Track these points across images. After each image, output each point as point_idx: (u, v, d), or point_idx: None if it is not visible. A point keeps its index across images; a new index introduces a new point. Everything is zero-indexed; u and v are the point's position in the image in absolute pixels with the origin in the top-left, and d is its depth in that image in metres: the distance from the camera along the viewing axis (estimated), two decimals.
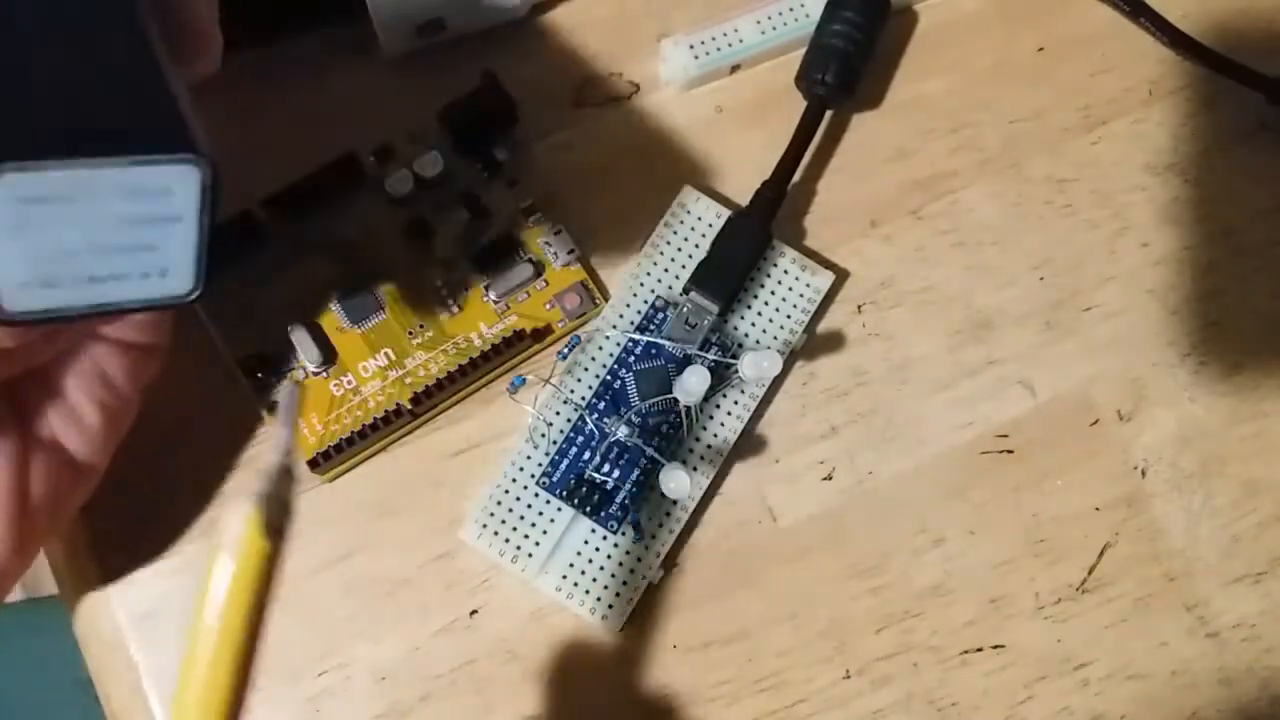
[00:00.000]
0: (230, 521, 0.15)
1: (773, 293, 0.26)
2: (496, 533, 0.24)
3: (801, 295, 0.26)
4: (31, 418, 0.20)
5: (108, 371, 0.21)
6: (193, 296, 0.16)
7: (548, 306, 0.25)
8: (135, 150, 0.14)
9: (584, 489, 0.24)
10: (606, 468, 0.24)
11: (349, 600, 0.24)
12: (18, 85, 0.14)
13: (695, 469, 0.25)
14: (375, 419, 0.24)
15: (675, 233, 0.26)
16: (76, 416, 0.21)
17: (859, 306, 0.27)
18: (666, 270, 0.26)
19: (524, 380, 0.25)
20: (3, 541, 0.20)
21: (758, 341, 0.25)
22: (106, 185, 0.14)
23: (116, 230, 0.15)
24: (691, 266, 0.25)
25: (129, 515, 0.23)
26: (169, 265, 0.16)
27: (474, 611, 0.24)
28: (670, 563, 0.25)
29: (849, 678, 0.25)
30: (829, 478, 0.26)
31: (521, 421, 0.25)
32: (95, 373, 0.21)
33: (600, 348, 0.25)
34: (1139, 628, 0.25)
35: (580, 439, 0.24)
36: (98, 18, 0.16)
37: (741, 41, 0.27)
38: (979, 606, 0.25)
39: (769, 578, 0.25)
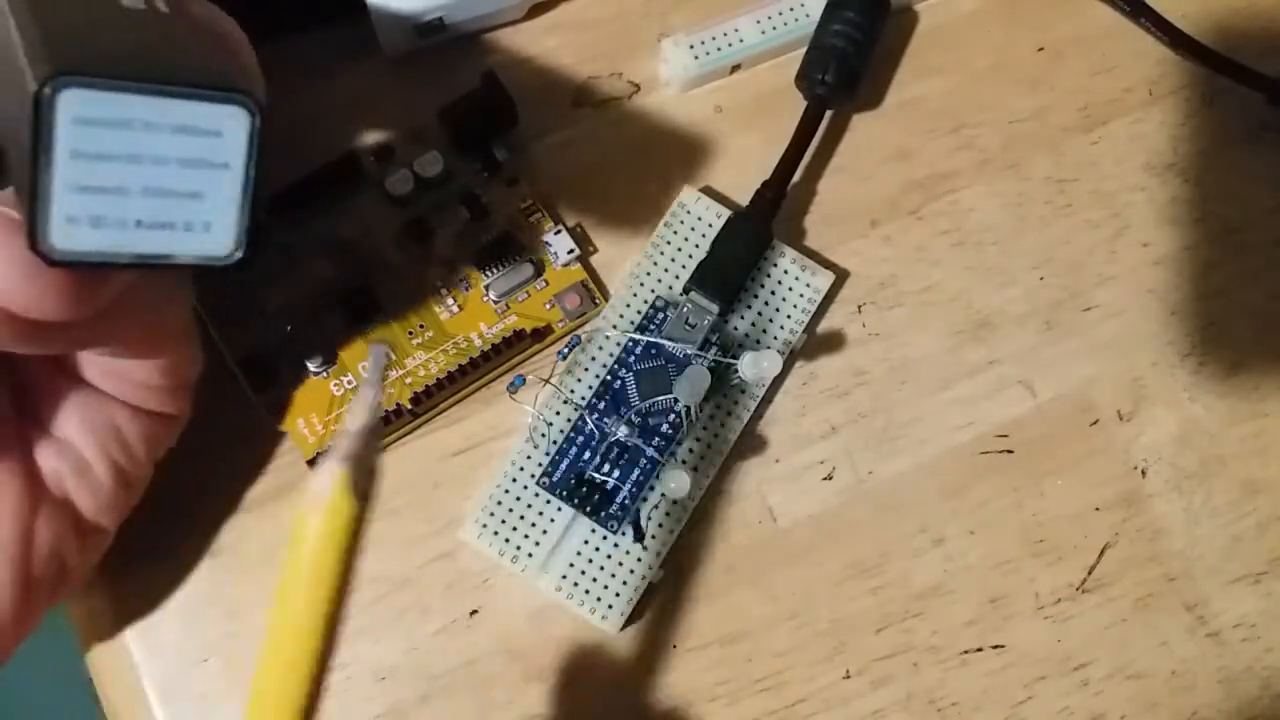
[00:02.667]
0: (317, 483, 0.15)
1: (773, 293, 0.26)
2: (496, 533, 0.24)
3: (801, 295, 0.26)
4: (44, 472, 0.20)
5: (125, 435, 0.21)
6: (233, 260, 0.16)
7: (548, 306, 0.25)
8: (194, 84, 0.15)
9: (584, 489, 0.24)
10: (606, 468, 0.24)
11: (349, 600, 0.24)
12: (93, 28, 0.15)
13: (695, 469, 0.25)
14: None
15: (675, 233, 0.26)
16: (90, 475, 0.20)
17: (859, 306, 0.27)
18: (666, 270, 0.26)
19: (524, 380, 0.25)
20: (4, 598, 0.19)
21: (758, 341, 0.25)
22: (162, 115, 0.15)
23: (167, 170, 0.15)
24: (691, 266, 0.25)
25: (128, 515, 0.23)
26: (213, 219, 0.16)
27: (474, 611, 0.24)
28: (670, 563, 0.25)
29: (849, 678, 0.25)
30: (829, 478, 0.26)
31: (521, 421, 0.25)
32: (112, 434, 0.21)
33: (600, 348, 0.25)
34: (1139, 628, 0.25)
35: (580, 439, 0.24)
36: None
37: (741, 41, 0.27)
38: (979, 606, 0.25)
39: (769, 578, 0.25)
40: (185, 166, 0.15)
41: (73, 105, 0.14)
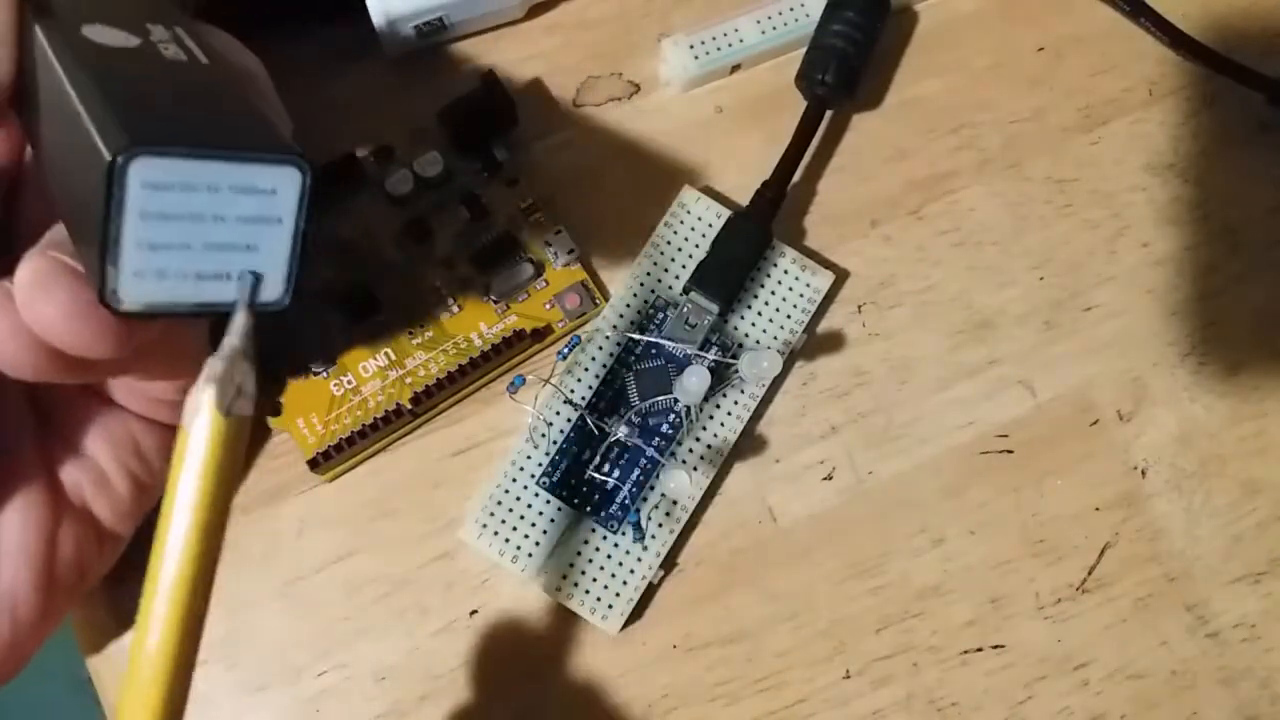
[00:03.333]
0: (188, 403, 0.15)
1: (773, 293, 0.26)
2: (496, 533, 0.24)
3: (801, 295, 0.26)
4: (65, 483, 0.21)
5: (141, 447, 0.22)
6: (282, 305, 0.17)
7: (548, 306, 0.25)
8: (253, 148, 0.16)
9: (584, 489, 0.24)
10: (606, 468, 0.24)
11: (349, 600, 0.24)
12: (151, 90, 0.16)
13: (695, 469, 0.25)
14: (375, 419, 0.24)
15: (675, 233, 0.26)
16: (108, 485, 0.21)
17: (859, 306, 0.27)
18: (666, 270, 0.26)
19: (524, 380, 0.25)
20: (29, 603, 0.20)
21: (758, 341, 0.25)
22: (224, 178, 0.16)
23: (225, 227, 0.16)
24: (691, 266, 0.25)
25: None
26: (266, 269, 0.17)
27: (474, 611, 0.24)
28: (670, 563, 0.25)
29: (849, 678, 0.25)
30: (829, 478, 0.26)
31: (521, 421, 0.25)
32: (130, 447, 0.21)
33: (600, 348, 0.25)
34: (1139, 628, 0.25)
35: (580, 439, 0.24)
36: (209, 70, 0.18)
37: (741, 41, 0.27)
38: (979, 606, 0.25)
39: (769, 578, 0.25)
40: (242, 222, 0.16)
41: (143, 172, 0.15)
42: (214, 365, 0.15)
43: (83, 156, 0.15)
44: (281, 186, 0.16)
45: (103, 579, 0.24)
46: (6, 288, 0.16)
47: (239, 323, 0.16)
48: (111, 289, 0.15)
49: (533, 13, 0.28)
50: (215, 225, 0.16)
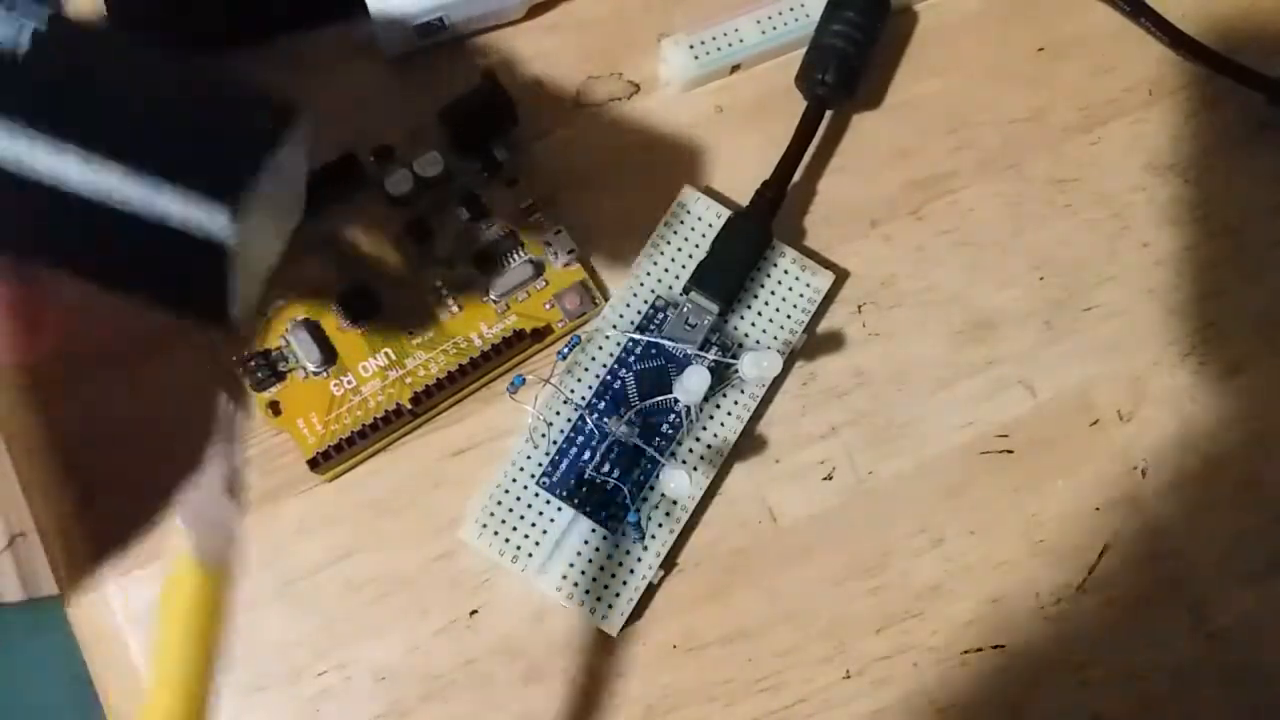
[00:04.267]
0: (175, 548, 0.15)
1: (773, 293, 0.26)
2: (496, 533, 0.24)
3: (801, 295, 0.26)
4: None
5: None
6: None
7: (548, 306, 0.25)
8: (276, 129, 0.17)
9: (584, 489, 0.24)
10: (606, 468, 0.24)
11: (349, 600, 0.24)
12: (154, 112, 0.16)
13: (695, 469, 0.25)
14: (375, 419, 0.24)
15: (675, 233, 0.26)
16: None
17: (859, 306, 0.27)
18: (666, 270, 0.26)
19: (524, 380, 0.25)
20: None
21: (758, 341, 0.25)
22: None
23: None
24: (691, 266, 0.25)
25: (128, 515, 0.23)
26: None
27: (474, 611, 0.24)
28: (670, 563, 0.25)
29: (849, 678, 0.25)
30: (829, 478, 0.26)
31: (521, 421, 0.25)
32: None
33: (600, 348, 0.25)
34: (1139, 628, 0.25)
35: (580, 439, 0.24)
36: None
37: (741, 41, 0.27)
38: (979, 606, 0.25)
39: (769, 578, 0.25)
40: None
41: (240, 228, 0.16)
42: (193, 505, 0.15)
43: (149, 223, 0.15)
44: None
45: (103, 576, 0.24)
46: None
47: (225, 457, 0.16)
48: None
49: (533, 13, 0.28)
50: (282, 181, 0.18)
